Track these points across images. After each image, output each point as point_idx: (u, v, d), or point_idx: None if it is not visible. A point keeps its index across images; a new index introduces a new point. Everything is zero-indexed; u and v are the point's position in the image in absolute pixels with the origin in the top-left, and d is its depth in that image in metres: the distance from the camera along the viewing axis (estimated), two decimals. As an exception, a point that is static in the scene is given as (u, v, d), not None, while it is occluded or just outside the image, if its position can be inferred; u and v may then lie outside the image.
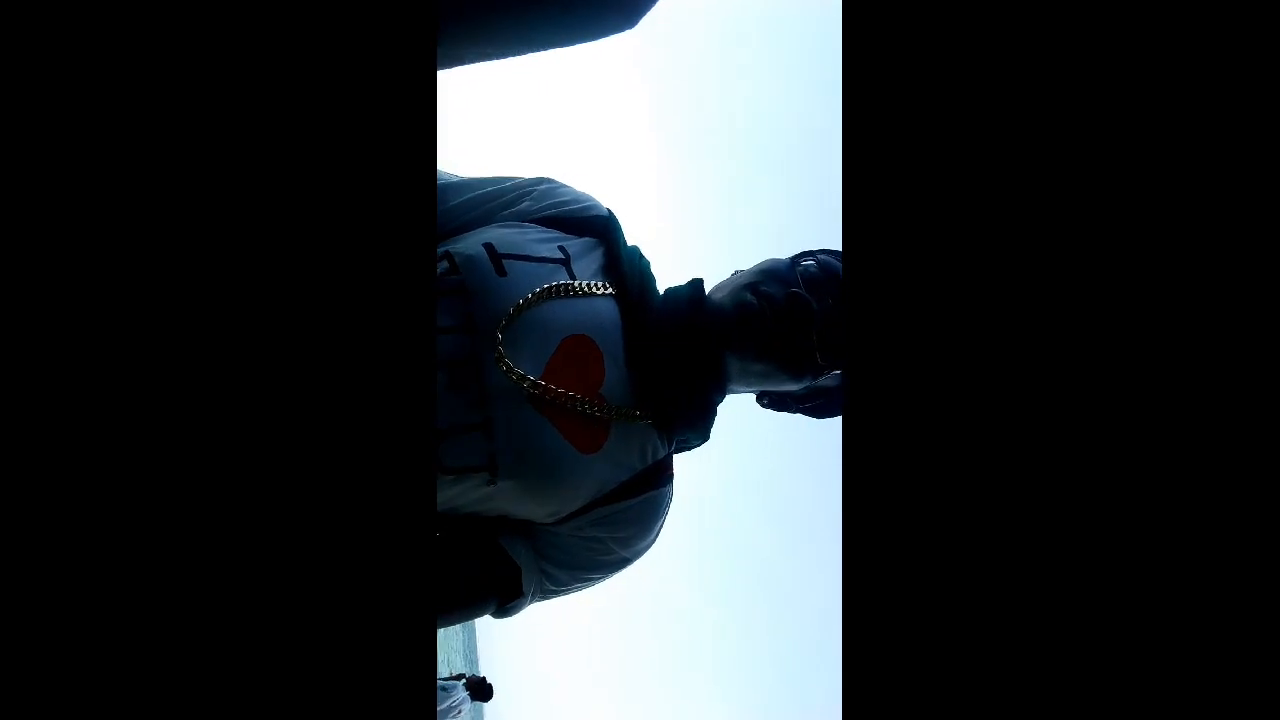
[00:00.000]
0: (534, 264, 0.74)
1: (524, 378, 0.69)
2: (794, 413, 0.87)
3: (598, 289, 0.76)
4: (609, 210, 0.84)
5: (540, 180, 0.84)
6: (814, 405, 0.85)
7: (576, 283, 0.75)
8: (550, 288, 0.73)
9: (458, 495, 0.71)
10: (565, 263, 0.76)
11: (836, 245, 0.83)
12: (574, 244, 0.79)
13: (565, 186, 0.84)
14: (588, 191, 0.85)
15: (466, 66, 0.56)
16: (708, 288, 0.83)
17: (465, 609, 0.75)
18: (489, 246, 0.73)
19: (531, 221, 0.79)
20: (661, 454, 0.78)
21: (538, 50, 0.58)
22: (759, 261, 0.82)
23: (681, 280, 0.84)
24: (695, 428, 0.79)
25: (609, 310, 0.76)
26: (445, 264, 0.72)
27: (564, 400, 0.71)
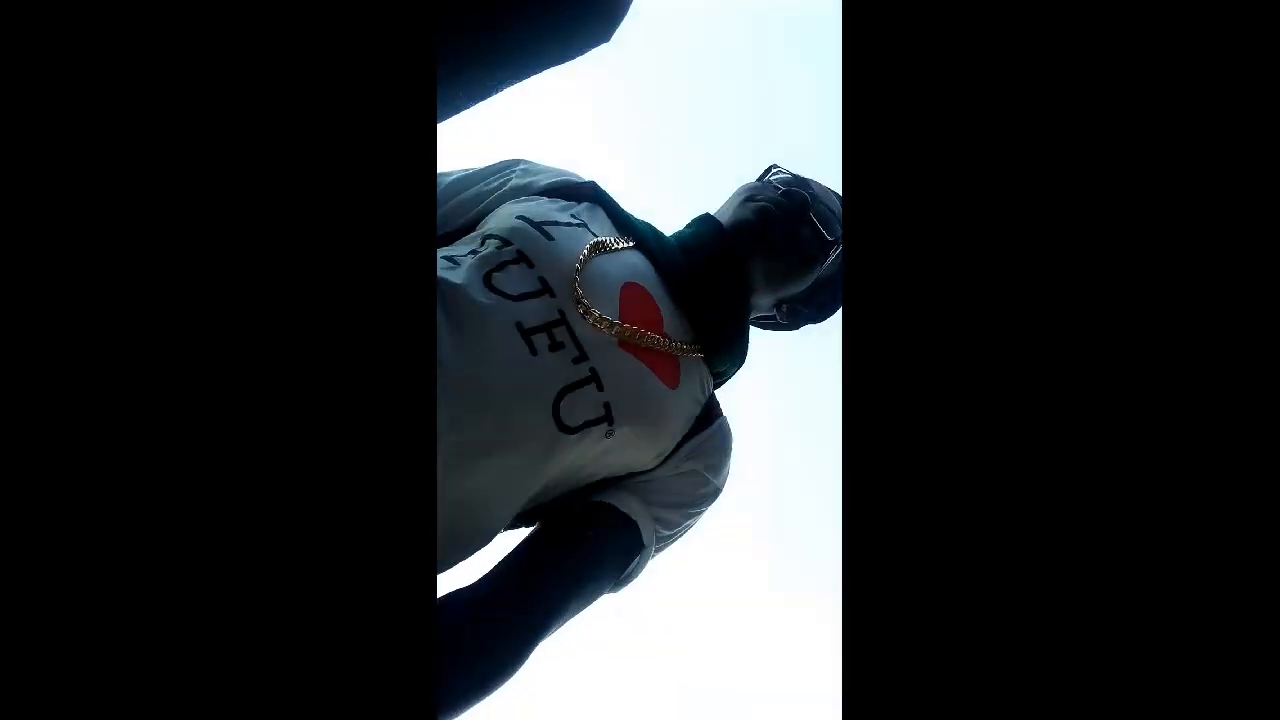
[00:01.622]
0: (566, 227, 0.77)
1: (612, 324, 0.72)
2: (801, 325, 0.99)
3: (621, 244, 0.80)
4: (591, 181, 0.87)
5: (516, 161, 0.86)
6: (817, 307, 0.97)
7: (608, 240, 0.79)
8: (595, 245, 0.77)
9: (576, 457, 0.71)
10: (585, 226, 0.80)
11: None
12: (580, 210, 0.82)
13: (539, 164, 0.87)
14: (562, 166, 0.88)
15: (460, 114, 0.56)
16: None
17: (599, 580, 0.76)
18: (524, 218, 0.76)
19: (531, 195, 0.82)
20: (711, 387, 0.84)
21: (521, 80, 0.59)
22: (733, 193, 0.91)
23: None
24: (734, 350, 0.85)
25: (640, 260, 0.81)
26: (495, 242, 0.74)
27: (646, 340, 0.75)
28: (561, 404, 0.68)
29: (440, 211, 0.80)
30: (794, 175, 0.92)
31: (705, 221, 0.88)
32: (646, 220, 0.85)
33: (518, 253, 0.72)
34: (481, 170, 0.85)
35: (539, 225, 0.75)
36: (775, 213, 0.84)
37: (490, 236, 0.74)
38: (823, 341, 1.02)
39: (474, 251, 0.73)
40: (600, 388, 0.70)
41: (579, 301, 0.71)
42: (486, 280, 0.70)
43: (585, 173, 0.88)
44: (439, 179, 0.83)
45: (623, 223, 0.83)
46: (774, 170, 0.94)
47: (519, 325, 0.68)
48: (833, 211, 0.89)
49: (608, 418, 0.70)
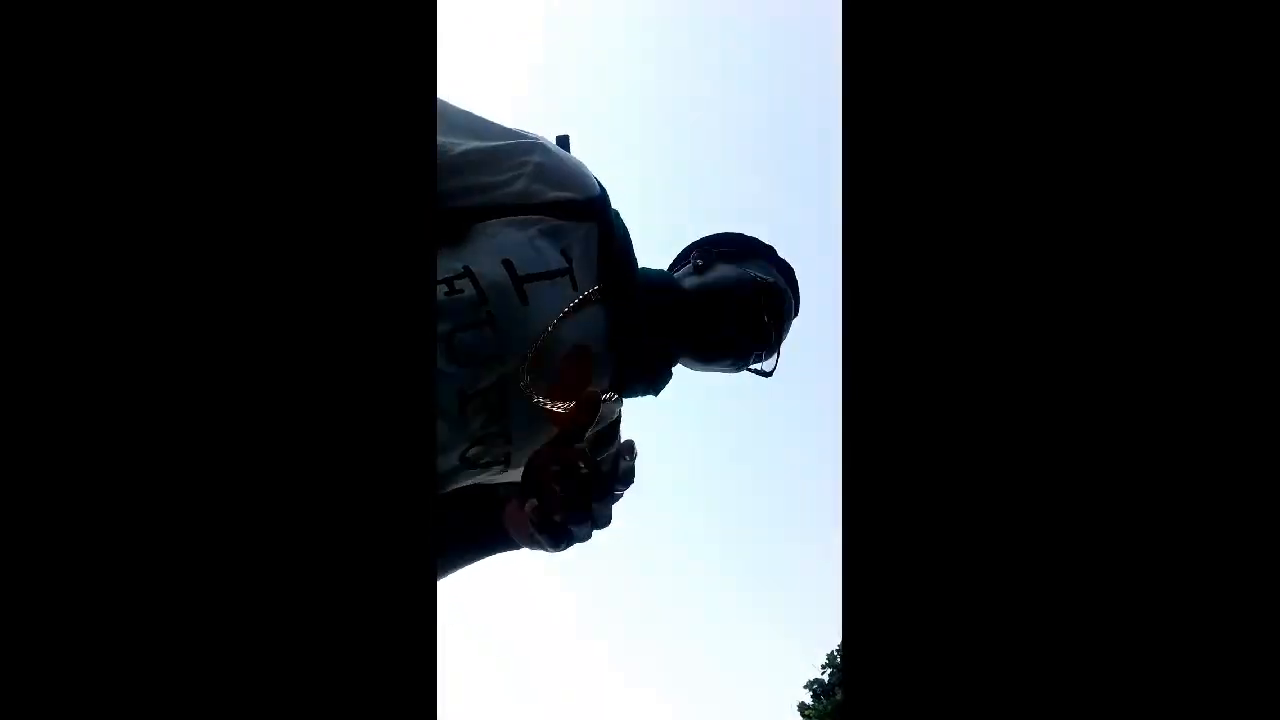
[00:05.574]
0: (548, 282, 0.77)
1: (546, 403, 0.74)
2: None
3: (593, 296, 0.81)
4: (601, 187, 0.83)
5: (533, 148, 0.80)
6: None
7: (580, 295, 0.80)
8: (566, 313, 0.78)
9: (474, 477, 0.81)
10: (569, 271, 0.79)
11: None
12: (573, 242, 0.81)
13: (559, 162, 0.82)
14: (581, 161, 0.84)
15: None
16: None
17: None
18: (508, 265, 0.75)
19: (531, 211, 0.79)
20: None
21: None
22: (723, 276, 0.93)
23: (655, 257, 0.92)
24: (652, 389, 0.91)
25: (600, 317, 0.82)
26: (472, 288, 0.72)
27: (567, 421, 0.74)
28: (470, 452, 0.78)
29: (447, 185, 0.76)
30: (772, 284, 0.93)
31: (668, 290, 0.90)
32: (630, 248, 0.85)
33: (488, 314, 0.72)
34: (494, 149, 0.78)
35: (520, 282, 0.74)
36: (735, 345, 0.89)
37: (469, 276, 0.72)
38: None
39: (448, 292, 0.71)
40: (507, 440, 0.78)
41: (524, 375, 0.74)
42: (448, 340, 0.71)
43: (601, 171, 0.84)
44: (449, 146, 0.77)
45: (607, 249, 0.82)
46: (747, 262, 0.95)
47: (461, 391, 0.73)
48: (781, 330, 0.93)
49: (505, 461, 0.81)
